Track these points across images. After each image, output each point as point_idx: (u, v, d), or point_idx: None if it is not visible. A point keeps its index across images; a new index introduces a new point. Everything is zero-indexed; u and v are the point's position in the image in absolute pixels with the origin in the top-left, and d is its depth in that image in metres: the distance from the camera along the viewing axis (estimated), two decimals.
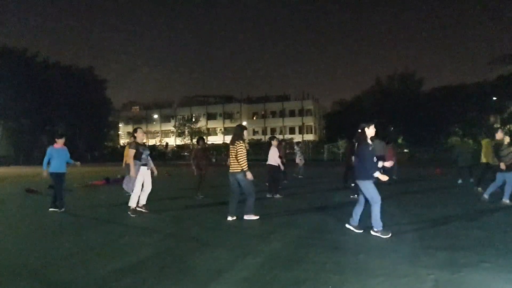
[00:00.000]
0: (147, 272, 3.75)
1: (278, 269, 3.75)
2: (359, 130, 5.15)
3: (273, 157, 8.99)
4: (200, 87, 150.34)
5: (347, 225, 5.33)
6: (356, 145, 5.24)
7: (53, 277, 3.70)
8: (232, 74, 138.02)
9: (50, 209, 7.30)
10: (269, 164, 9.01)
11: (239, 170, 6.06)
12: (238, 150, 6.07)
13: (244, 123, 62.16)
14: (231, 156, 6.19)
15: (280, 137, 43.69)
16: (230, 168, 6.21)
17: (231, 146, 6.24)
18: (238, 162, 6.04)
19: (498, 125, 40.06)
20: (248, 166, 6.10)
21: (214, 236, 5.26)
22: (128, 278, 3.58)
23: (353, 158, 7.69)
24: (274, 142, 9.14)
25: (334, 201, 8.42)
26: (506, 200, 7.33)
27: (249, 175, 6.05)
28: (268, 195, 8.96)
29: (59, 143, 7.48)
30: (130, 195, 6.97)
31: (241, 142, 6.15)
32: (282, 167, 9.30)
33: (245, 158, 6.10)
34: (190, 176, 8.95)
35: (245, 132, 6.35)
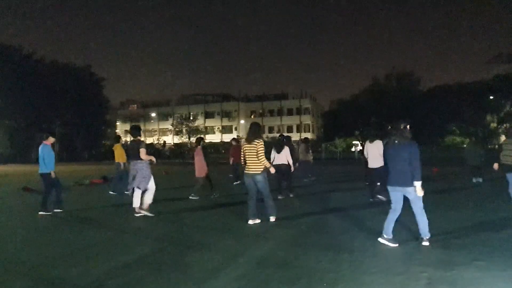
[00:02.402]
0: (143, 271, 3.78)
1: (273, 267, 3.79)
2: (401, 127, 4.50)
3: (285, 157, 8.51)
4: (198, 86, 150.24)
5: (380, 239, 4.56)
6: (391, 143, 4.56)
7: (50, 275, 3.73)
8: (230, 73, 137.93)
9: (56, 210, 7.09)
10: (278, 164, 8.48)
11: (259, 171, 5.75)
12: (259, 149, 5.74)
13: (242, 122, 62.38)
14: (247, 155, 5.85)
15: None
16: (247, 169, 5.82)
17: (247, 145, 5.86)
18: (260, 161, 5.73)
19: (495, 124, 40.29)
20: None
21: (210, 235, 5.29)
22: (125, 276, 3.61)
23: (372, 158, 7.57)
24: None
25: (333, 201, 8.44)
26: None
27: (272, 170, 5.92)
28: (279, 197, 8.39)
29: (51, 141, 7.17)
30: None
31: (261, 140, 5.84)
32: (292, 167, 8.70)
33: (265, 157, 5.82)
34: (187, 175, 8.89)
35: None
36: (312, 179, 12.45)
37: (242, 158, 6.05)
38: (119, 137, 10.87)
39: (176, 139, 57.01)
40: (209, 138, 58.99)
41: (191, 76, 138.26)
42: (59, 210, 7.15)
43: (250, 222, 5.87)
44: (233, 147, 12.17)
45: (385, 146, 4.75)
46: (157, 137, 61.00)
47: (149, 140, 57.62)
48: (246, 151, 5.87)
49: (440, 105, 38.48)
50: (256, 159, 5.75)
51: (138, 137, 6.79)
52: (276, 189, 8.60)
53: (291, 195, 8.78)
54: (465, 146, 17.94)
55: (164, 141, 54.68)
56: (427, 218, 4.45)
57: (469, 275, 3.48)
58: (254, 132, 5.90)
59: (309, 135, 59.15)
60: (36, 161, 7.69)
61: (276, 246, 4.61)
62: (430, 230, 4.45)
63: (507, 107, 39.91)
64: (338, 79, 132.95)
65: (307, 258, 4.09)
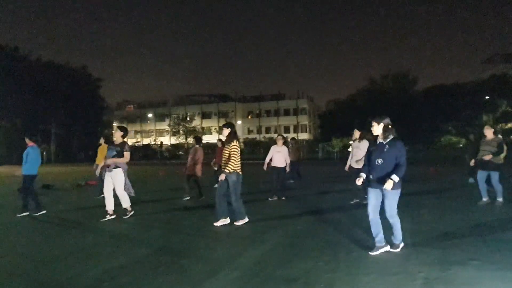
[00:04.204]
0: (140, 272, 3.76)
1: (270, 268, 3.78)
2: (390, 126, 4.35)
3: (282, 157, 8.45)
4: (195, 86, 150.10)
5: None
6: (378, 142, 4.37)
7: (46, 278, 3.70)
8: (227, 73, 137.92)
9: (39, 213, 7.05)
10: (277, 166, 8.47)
11: (232, 171, 5.73)
12: (232, 150, 5.75)
13: (239, 122, 62.31)
14: (225, 156, 5.87)
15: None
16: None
17: (226, 145, 5.91)
18: (231, 163, 5.71)
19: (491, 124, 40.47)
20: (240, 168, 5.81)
21: (208, 237, 5.27)
22: (121, 278, 3.59)
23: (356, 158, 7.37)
24: (279, 142, 8.54)
25: (329, 202, 8.44)
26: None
27: (222, 177, 5.75)
28: (271, 198, 8.47)
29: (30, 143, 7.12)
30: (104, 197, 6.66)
31: (237, 141, 5.85)
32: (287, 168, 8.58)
33: (239, 159, 5.80)
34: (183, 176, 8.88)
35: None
36: (292, 181, 12.08)
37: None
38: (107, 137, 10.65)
39: (173, 140, 56.93)
40: (206, 138, 58.81)
41: (188, 76, 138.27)
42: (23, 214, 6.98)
43: (219, 223, 5.88)
44: (219, 148, 11.47)
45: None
46: (154, 138, 60.86)
47: (146, 141, 57.55)
48: (225, 151, 5.90)
49: (436, 105, 38.59)
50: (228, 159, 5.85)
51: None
52: (271, 190, 8.66)
53: (274, 198, 8.51)
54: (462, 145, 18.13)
55: (161, 142, 54.59)
56: (425, 219, 4.47)
57: (465, 275, 3.49)
58: (233, 133, 5.95)
59: (306, 136, 59.34)
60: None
61: (273, 247, 4.60)
62: (427, 230, 4.46)
63: (503, 107, 40.07)
64: (335, 80, 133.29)
65: (304, 258, 4.09)
